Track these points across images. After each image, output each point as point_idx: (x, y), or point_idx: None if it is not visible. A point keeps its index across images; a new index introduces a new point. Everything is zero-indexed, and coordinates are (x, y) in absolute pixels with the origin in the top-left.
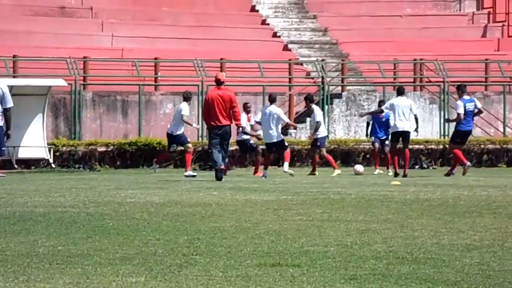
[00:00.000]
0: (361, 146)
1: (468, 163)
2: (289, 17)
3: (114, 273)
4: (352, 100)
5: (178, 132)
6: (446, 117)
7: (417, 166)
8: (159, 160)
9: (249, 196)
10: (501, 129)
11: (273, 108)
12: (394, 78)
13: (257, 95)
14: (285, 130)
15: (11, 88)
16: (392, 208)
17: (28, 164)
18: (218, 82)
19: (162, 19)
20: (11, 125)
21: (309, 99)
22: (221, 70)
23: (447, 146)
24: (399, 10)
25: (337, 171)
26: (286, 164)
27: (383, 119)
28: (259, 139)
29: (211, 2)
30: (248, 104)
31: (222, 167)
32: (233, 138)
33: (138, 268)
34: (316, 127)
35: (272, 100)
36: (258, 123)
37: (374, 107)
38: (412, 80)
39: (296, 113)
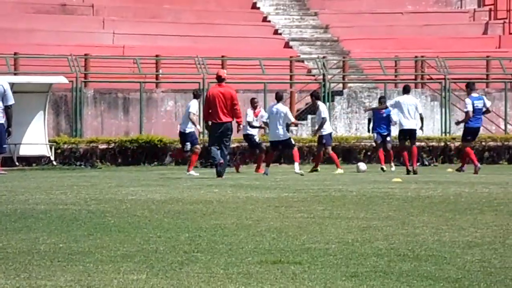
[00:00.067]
0: (363, 143)
1: (479, 165)
2: (290, 14)
3: (115, 271)
4: (353, 98)
5: (189, 130)
6: (456, 120)
7: (418, 163)
8: (174, 156)
9: (250, 194)
10: (503, 126)
11: (280, 107)
12: (395, 76)
13: (258, 92)
14: (286, 127)
15: (12, 85)
16: (393, 205)
17: (29, 161)
18: (219, 79)
19: (163, 16)
20: (12, 123)
21: (314, 95)
22: (222, 68)
23: (448, 143)
24: (400, 7)
25: (340, 170)
26: (296, 164)
27: (384, 115)
28: (264, 126)
29: None
30: (256, 99)
31: (222, 161)
32: (238, 135)
33: (140, 265)
34: (321, 123)
35: (279, 98)
36: (266, 123)
37: (375, 104)
38: (413, 77)
39: (297, 110)
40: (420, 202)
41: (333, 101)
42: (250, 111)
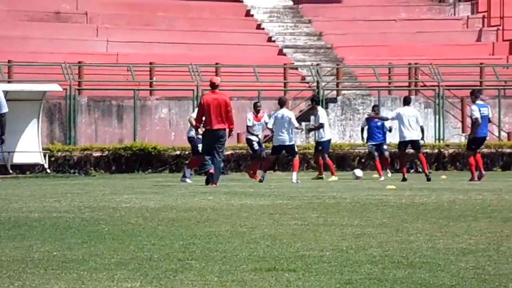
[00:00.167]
0: (356, 151)
1: (476, 179)
2: (284, 21)
3: (110, 278)
4: (347, 105)
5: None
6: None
7: (412, 170)
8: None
9: (244, 201)
10: (496, 133)
11: (286, 112)
12: (389, 83)
13: (252, 100)
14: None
15: (6, 93)
16: (388, 212)
17: (23, 169)
18: (213, 86)
19: (157, 24)
20: (5, 130)
21: (315, 100)
22: (216, 75)
23: (442, 150)
24: (394, 14)
25: (334, 178)
26: (294, 174)
27: (379, 123)
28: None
29: (206, 6)
30: (258, 103)
31: (212, 171)
32: (233, 142)
33: (134, 273)
34: (317, 127)
35: (282, 103)
36: (271, 130)
37: (368, 111)
38: (407, 84)
39: None
40: (414, 209)
41: (327, 108)
42: (250, 116)
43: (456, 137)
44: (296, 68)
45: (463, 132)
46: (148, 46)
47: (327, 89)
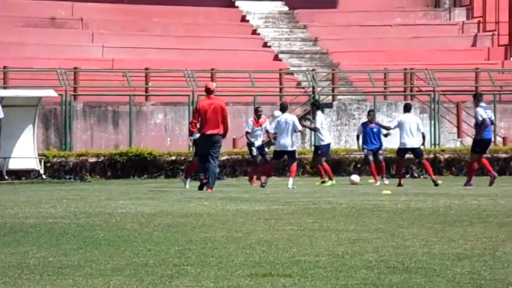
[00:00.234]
0: (352, 156)
1: (472, 183)
2: (280, 27)
3: (105, 284)
4: (343, 110)
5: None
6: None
7: (408, 175)
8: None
9: (240, 206)
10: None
11: (288, 116)
12: (385, 88)
13: (248, 105)
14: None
15: (1, 99)
16: (383, 218)
17: (19, 175)
18: (208, 92)
19: (152, 29)
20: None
21: (315, 105)
22: (212, 80)
23: (437, 155)
24: (389, 19)
25: (330, 182)
26: (291, 180)
27: (375, 129)
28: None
29: (201, 12)
30: (260, 108)
31: (204, 180)
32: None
33: (129, 279)
34: (311, 128)
35: (284, 108)
36: (275, 133)
37: (364, 117)
38: (402, 89)
39: None
40: (410, 214)
41: (322, 113)
42: (250, 121)
43: (452, 142)
44: (292, 74)
45: (458, 137)
46: (144, 52)
47: (322, 94)
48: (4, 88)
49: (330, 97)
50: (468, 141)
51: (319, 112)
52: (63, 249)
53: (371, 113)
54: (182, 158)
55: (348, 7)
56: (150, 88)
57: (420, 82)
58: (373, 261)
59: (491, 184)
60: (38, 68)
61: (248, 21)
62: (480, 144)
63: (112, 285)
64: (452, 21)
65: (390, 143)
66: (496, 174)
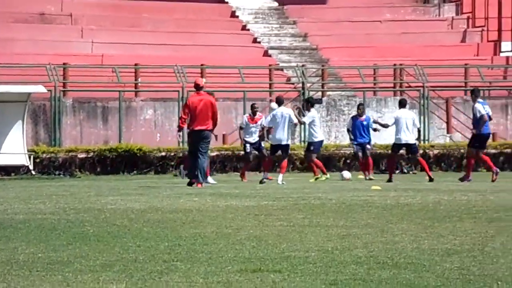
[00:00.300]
0: (342, 151)
1: (471, 178)
2: (269, 22)
3: (95, 280)
4: (333, 106)
5: None
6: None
7: (397, 171)
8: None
9: (229, 202)
10: None
11: (284, 110)
12: (374, 83)
13: (238, 101)
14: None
15: None
16: (373, 213)
17: (8, 171)
18: (198, 88)
19: (142, 25)
20: None
21: (310, 102)
22: (202, 76)
23: (427, 151)
24: (379, 15)
25: (324, 177)
26: (280, 175)
27: (365, 122)
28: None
29: (191, 8)
30: (256, 105)
31: (194, 180)
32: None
33: (119, 275)
34: (299, 120)
35: (280, 102)
36: (269, 128)
37: (354, 112)
38: (392, 85)
39: None
40: (399, 210)
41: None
42: (245, 117)
43: (441, 138)
44: (282, 69)
45: (448, 132)
46: (133, 48)
47: (312, 90)
48: None
49: (320, 93)
50: (457, 137)
51: (313, 110)
52: (53, 245)
53: (360, 107)
54: (172, 154)
55: (337, 3)
56: (139, 84)
57: (410, 78)
58: (363, 256)
59: (493, 179)
60: (27, 63)
61: (237, 16)
62: (479, 139)
63: (102, 280)
64: (441, 16)
65: (379, 138)
66: (497, 170)
